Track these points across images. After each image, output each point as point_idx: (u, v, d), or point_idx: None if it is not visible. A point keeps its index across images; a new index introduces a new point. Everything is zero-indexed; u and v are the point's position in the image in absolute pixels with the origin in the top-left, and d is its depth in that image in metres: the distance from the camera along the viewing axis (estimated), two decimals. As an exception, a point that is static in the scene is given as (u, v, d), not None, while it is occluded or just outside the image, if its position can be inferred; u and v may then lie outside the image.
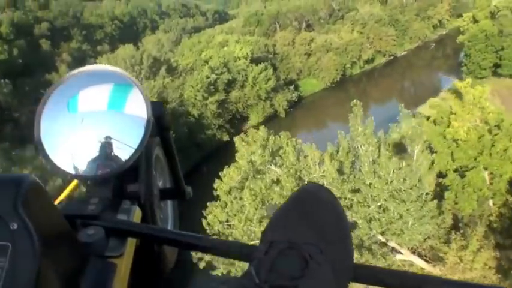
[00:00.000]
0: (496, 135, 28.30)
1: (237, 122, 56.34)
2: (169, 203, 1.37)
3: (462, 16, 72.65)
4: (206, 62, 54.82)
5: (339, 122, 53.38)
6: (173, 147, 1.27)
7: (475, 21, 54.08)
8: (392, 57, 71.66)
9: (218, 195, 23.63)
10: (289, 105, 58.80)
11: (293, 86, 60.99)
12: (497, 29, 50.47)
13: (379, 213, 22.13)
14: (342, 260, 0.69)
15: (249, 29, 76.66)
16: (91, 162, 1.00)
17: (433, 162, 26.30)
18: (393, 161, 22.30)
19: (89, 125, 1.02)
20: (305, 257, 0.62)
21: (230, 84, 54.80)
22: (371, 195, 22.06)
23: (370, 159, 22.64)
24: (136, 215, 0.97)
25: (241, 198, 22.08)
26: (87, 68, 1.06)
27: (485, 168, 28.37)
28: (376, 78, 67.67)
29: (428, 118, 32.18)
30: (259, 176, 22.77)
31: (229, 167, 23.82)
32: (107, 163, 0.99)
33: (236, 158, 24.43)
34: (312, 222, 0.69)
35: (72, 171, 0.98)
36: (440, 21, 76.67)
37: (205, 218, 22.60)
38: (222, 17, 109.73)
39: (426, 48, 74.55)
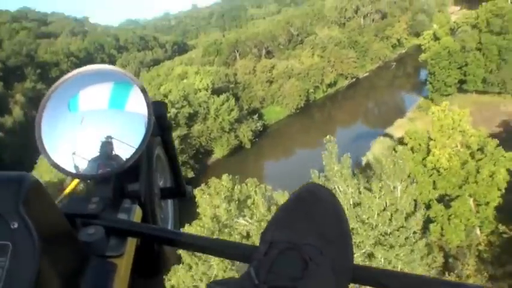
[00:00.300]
0: (480, 160, 25.63)
1: (201, 157, 53.22)
2: (169, 202, 1.34)
3: (420, 34, 71.86)
4: (165, 96, 51.40)
5: (306, 149, 52.29)
6: (174, 147, 1.26)
7: (436, 38, 52.21)
8: (354, 80, 69.90)
9: (181, 255, 20.12)
10: (254, 135, 56.14)
11: (257, 115, 58.47)
12: (459, 45, 48.57)
13: (365, 262, 19.10)
14: (342, 261, 0.68)
15: (208, 59, 74.33)
16: (92, 162, 0.99)
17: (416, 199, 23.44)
18: (377, 202, 19.40)
19: (89, 124, 1.02)
20: (305, 257, 0.60)
21: (192, 118, 51.75)
22: (355, 243, 19.04)
23: (351, 202, 19.65)
24: (137, 214, 0.97)
25: (206, 260, 18.62)
26: (88, 67, 1.04)
27: (470, 196, 25.69)
28: (340, 101, 65.65)
29: (404, 144, 29.19)
30: (226, 230, 19.47)
31: (190, 224, 20.19)
32: (108, 162, 0.99)
33: (199, 211, 20.93)
34: (312, 222, 0.68)
35: (73, 171, 0.98)
36: (398, 40, 75.54)
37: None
38: (181, 48, 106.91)
39: (387, 68, 73.14)
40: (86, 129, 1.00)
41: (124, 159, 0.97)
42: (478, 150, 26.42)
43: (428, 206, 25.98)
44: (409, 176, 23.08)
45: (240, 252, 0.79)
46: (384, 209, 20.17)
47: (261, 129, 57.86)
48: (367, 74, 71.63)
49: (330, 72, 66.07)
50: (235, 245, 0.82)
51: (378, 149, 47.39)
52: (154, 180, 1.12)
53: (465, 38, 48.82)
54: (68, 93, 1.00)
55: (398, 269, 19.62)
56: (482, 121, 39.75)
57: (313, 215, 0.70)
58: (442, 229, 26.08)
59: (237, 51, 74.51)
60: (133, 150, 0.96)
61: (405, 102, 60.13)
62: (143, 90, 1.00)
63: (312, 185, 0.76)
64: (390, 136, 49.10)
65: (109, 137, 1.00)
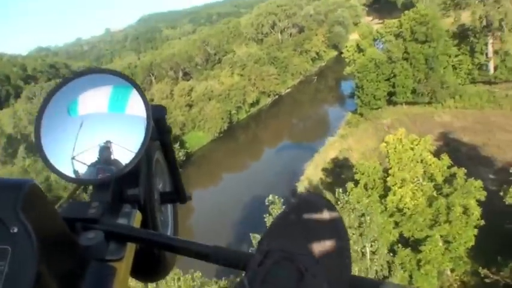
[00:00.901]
0: (449, 195, 20.45)
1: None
2: (169, 206, 1.31)
3: (337, 46, 68.08)
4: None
5: (235, 176, 48.37)
6: (173, 151, 1.23)
7: (360, 50, 47.86)
8: (277, 97, 65.13)
9: None
10: (177, 165, 49.33)
11: (178, 142, 51.62)
12: (385, 56, 44.35)
13: None
14: (338, 271, 0.65)
15: (122, 85, 66.90)
16: (91, 167, 0.97)
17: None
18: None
19: (89, 129, 0.99)
20: (300, 268, 0.58)
21: (106, 154, 44.38)
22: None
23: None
24: (137, 218, 0.95)
25: None
26: (87, 70, 1.01)
27: (442, 237, 20.52)
28: (264, 120, 60.63)
29: (357, 183, 23.37)
30: None
31: None
32: (107, 167, 0.97)
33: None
34: (309, 232, 0.66)
35: (73, 176, 0.95)
36: (317, 53, 71.70)
37: None
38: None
39: (309, 82, 68.94)
40: (85, 134, 0.97)
41: (123, 163, 0.95)
42: (444, 182, 21.30)
43: (391, 250, 20.73)
44: (381, 233, 17.63)
45: (237, 259, 0.78)
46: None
47: (184, 158, 51.47)
48: (289, 89, 67.36)
49: (251, 91, 61.02)
50: (232, 253, 0.81)
51: (312, 171, 42.34)
52: (153, 184, 1.10)
53: (391, 49, 44.71)
54: (67, 97, 0.97)
55: None
56: (420, 135, 35.18)
57: (310, 225, 0.67)
58: (411, 277, 20.85)
59: (152, 74, 67.94)
60: (133, 154, 0.94)
61: (332, 117, 56.15)
62: (142, 94, 0.98)
63: (310, 195, 0.73)
64: (323, 156, 44.17)
65: (108, 142, 0.97)
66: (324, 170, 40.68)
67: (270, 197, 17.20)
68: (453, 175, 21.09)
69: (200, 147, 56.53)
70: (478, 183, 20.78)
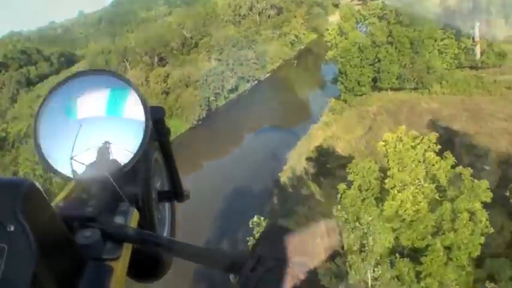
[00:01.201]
0: (454, 199, 18.08)
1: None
2: (166, 204, 1.32)
3: (317, 29, 65.35)
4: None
5: (212, 163, 47.31)
6: (172, 151, 1.25)
7: (342, 33, 45.27)
8: (256, 82, 62.39)
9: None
10: (153, 157, 46.93)
11: (154, 132, 48.77)
12: (369, 40, 41.85)
13: None
14: (333, 279, 0.63)
15: (97, 71, 63.25)
16: (90, 166, 0.98)
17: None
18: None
19: (87, 129, 1.00)
20: (293, 275, 0.57)
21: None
22: None
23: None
24: (134, 217, 0.96)
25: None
26: (85, 71, 1.02)
27: (445, 247, 18.23)
28: (244, 107, 57.97)
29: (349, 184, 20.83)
30: None
31: None
32: (106, 167, 0.97)
33: None
34: (302, 239, 0.65)
35: (71, 175, 0.97)
36: (297, 36, 68.62)
37: None
38: (68, 60, 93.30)
39: (288, 66, 65.95)
40: (84, 134, 0.98)
41: (122, 163, 0.96)
42: (448, 184, 18.94)
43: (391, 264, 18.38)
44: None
45: (231, 263, 0.76)
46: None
47: (161, 149, 48.72)
48: (268, 74, 64.56)
49: (230, 76, 58.14)
50: (227, 255, 0.79)
51: (295, 160, 39.98)
52: (151, 183, 1.11)
53: (374, 32, 42.21)
54: (64, 99, 0.97)
55: None
56: (408, 123, 33.06)
57: (304, 231, 0.65)
58: (410, 292, 18.62)
59: (127, 60, 64.39)
60: (131, 155, 0.95)
61: (313, 103, 53.98)
62: (140, 95, 0.98)
63: (305, 201, 0.67)
64: (306, 144, 41.86)
65: (107, 142, 0.98)
66: (308, 159, 38.38)
67: (255, 219, 14.87)
68: (458, 175, 18.78)
69: (178, 135, 53.50)
70: (485, 183, 18.59)
